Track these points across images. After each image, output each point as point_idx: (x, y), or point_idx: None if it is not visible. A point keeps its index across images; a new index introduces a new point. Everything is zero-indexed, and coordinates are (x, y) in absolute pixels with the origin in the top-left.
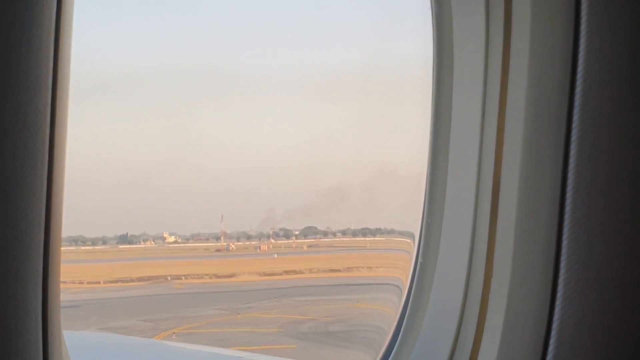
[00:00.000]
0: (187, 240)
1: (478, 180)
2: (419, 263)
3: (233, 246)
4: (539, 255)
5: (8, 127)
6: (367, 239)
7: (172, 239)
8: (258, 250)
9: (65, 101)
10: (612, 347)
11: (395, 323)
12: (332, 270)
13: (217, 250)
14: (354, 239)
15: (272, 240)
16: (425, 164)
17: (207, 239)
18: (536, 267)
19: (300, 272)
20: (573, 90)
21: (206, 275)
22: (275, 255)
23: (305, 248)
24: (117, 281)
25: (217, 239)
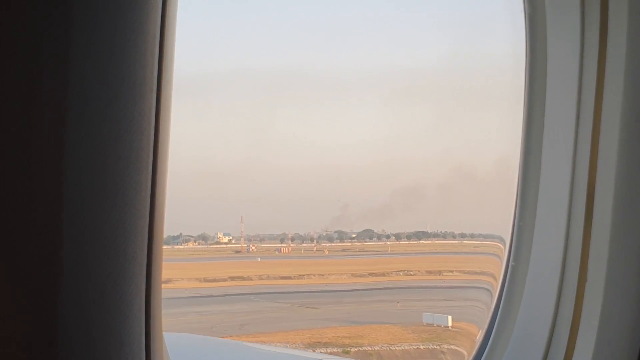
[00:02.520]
0: (249, 240)
1: (572, 183)
2: (510, 266)
3: (253, 248)
4: (635, 260)
5: (115, 128)
6: (412, 242)
7: (226, 239)
8: (278, 252)
9: (168, 104)
10: None
11: (486, 326)
12: (282, 278)
13: (237, 252)
14: (396, 242)
15: (291, 244)
16: (506, 167)
17: (257, 240)
18: (632, 271)
19: (249, 279)
20: None
21: None
22: (259, 258)
23: (326, 252)
24: None
25: (278, 240)
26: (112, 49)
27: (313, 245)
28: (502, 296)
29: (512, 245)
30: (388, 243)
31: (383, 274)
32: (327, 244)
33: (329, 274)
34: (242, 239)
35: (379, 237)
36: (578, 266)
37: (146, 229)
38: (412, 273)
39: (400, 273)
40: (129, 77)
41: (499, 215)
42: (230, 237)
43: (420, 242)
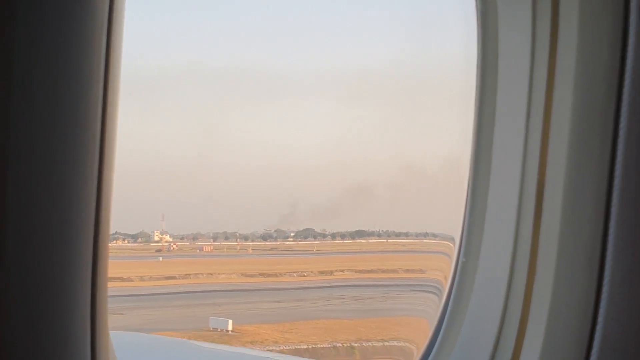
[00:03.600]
0: (181, 239)
1: (522, 180)
2: (460, 262)
3: (175, 246)
4: (583, 255)
5: (61, 123)
6: (349, 241)
7: (164, 238)
8: (200, 251)
9: (115, 99)
10: None
11: (436, 323)
12: (166, 278)
13: (158, 251)
14: (331, 241)
15: (213, 242)
16: (457, 166)
17: (194, 238)
18: (581, 267)
19: (128, 280)
20: (621, 86)
21: None
22: (161, 258)
23: (249, 251)
24: None
25: (220, 238)
26: (58, 41)
27: (236, 244)
28: (451, 292)
29: (462, 241)
30: (315, 243)
31: (275, 274)
32: (261, 243)
33: (219, 273)
34: (163, 237)
35: (315, 236)
36: (527, 262)
37: (92, 225)
38: (305, 274)
39: (294, 274)
40: (75, 70)
41: (446, 214)
42: (168, 236)
43: (355, 241)
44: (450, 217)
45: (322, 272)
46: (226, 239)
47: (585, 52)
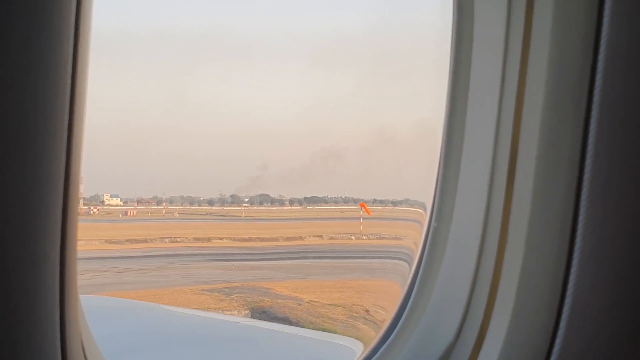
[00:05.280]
0: (125, 202)
1: (495, 146)
2: (432, 228)
3: (95, 210)
4: (555, 222)
5: (29, 81)
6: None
7: (114, 201)
8: (122, 216)
9: (85, 59)
10: (626, 316)
11: (407, 287)
12: None
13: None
14: (282, 207)
15: (137, 206)
16: (431, 133)
17: (138, 202)
18: (552, 234)
19: None
20: (597, 49)
21: None
22: None
23: (176, 215)
24: None
25: (160, 202)
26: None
27: (162, 207)
28: (423, 257)
29: (434, 207)
30: (238, 208)
31: (145, 240)
32: (205, 207)
33: (79, 240)
34: (112, 200)
35: (262, 202)
36: (499, 227)
37: (62, 185)
38: (178, 240)
39: (166, 240)
40: (44, 29)
41: (418, 181)
42: (119, 199)
43: (292, 207)
44: (419, 185)
45: (197, 239)
46: (171, 203)
47: (562, 14)
